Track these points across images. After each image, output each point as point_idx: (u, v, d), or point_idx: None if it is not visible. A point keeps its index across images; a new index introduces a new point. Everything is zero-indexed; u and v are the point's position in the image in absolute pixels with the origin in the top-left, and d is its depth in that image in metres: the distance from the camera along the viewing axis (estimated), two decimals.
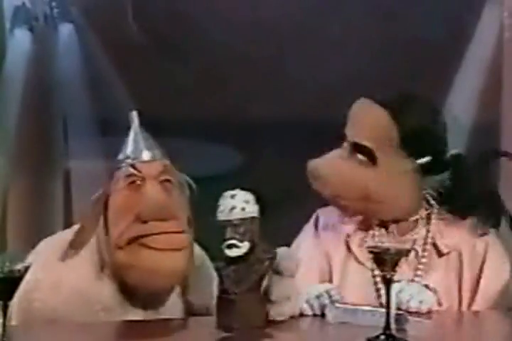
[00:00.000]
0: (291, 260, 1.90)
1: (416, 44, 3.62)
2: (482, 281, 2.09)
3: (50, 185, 3.69)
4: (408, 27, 3.61)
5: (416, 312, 1.96)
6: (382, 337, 1.70)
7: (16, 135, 3.63)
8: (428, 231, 2.14)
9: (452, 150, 2.15)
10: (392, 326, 1.73)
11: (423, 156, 2.08)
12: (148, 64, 3.73)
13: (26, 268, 1.65)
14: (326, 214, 2.24)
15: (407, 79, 3.52)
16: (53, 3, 3.72)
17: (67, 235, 2.04)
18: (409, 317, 1.86)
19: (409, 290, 2.02)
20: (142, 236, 1.90)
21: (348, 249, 2.15)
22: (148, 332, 1.88)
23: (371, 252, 1.75)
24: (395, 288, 1.86)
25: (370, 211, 2.10)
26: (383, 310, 1.74)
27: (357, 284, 2.10)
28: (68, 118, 3.74)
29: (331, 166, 2.11)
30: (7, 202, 3.61)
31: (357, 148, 2.08)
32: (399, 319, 1.82)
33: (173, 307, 2.03)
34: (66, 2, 3.74)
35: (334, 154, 2.13)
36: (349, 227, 2.17)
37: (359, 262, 2.12)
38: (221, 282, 1.84)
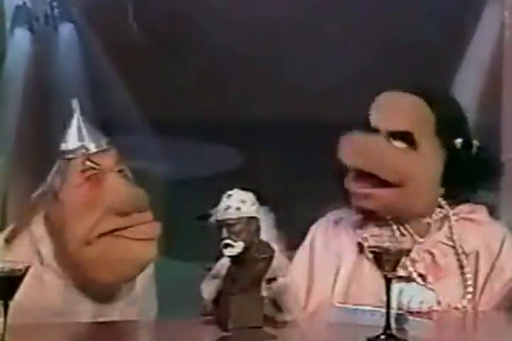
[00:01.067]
0: (282, 259, 1.90)
1: (416, 44, 3.62)
2: (490, 279, 2.10)
3: None
4: (408, 27, 3.61)
5: (417, 312, 1.96)
6: (383, 336, 1.70)
7: (15, 135, 3.63)
8: (451, 233, 2.13)
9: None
10: (393, 326, 1.73)
11: (454, 147, 2.08)
12: (149, 64, 3.73)
13: (27, 268, 1.65)
14: (337, 216, 2.22)
15: (407, 80, 3.52)
16: (54, 3, 3.72)
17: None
18: (410, 317, 1.86)
19: (409, 291, 2.01)
20: (119, 229, 1.87)
21: (361, 249, 2.13)
22: (149, 332, 1.88)
23: (371, 252, 1.75)
24: (394, 289, 1.86)
25: (404, 200, 2.06)
26: (383, 309, 1.74)
27: (371, 284, 2.08)
28: (68, 118, 3.74)
29: (373, 144, 2.07)
30: (7, 203, 3.61)
31: (394, 136, 2.06)
32: (399, 319, 1.82)
33: (121, 301, 2.00)
34: (67, 2, 3.74)
35: (373, 137, 2.08)
36: (361, 228, 2.15)
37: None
38: (220, 282, 1.85)
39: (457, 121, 2.11)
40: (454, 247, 2.12)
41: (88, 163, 1.90)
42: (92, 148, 1.93)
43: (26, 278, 1.68)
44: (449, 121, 2.07)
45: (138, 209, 1.89)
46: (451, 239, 2.12)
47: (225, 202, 1.83)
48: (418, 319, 1.89)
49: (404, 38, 3.63)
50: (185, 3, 3.77)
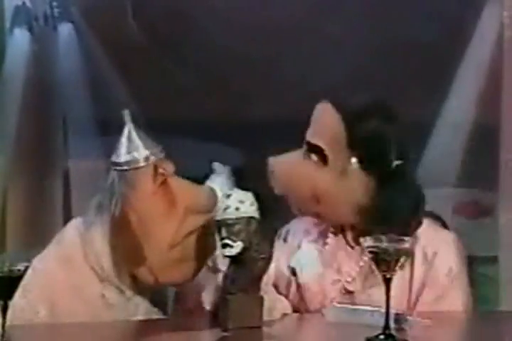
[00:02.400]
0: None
1: (415, 44, 3.62)
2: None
3: (49, 185, 3.69)
4: (407, 27, 3.61)
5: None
6: (382, 336, 1.70)
7: (15, 135, 3.63)
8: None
9: (396, 161, 2.12)
10: (392, 326, 1.73)
11: (373, 162, 2.07)
12: (149, 64, 3.73)
13: (26, 268, 1.65)
14: (296, 222, 2.27)
15: (406, 80, 3.52)
16: (53, 3, 3.72)
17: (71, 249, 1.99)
18: (409, 317, 1.86)
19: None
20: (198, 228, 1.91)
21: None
22: (148, 332, 1.88)
23: (370, 252, 1.75)
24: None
25: (322, 214, 2.09)
26: (383, 309, 1.74)
27: None
28: (68, 118, 3.75)
29: (283, 164, 2.13)
30: (6, 202, 3.61)
31: (312, 147, 2.09)
32: (398, 319, 1.82)
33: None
34: (66, 2, 3.74)
35: (293, 153, 2.15)
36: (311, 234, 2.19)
37: None
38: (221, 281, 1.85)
39: (373, 138, 2.07)
40: None
41: (161, 170, 1.92)
42: (159, 154, 1.94)
43: (88, 298, 1.80)
44: (363, 137, 2.05)
45: (214, 204, 1.90)
46: None
47: (224, 202, 1.84)
48: (417, 319, 1.89)
49: (404, 37, 3.63)
50: (185, 3, 3.77)
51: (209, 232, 1.93)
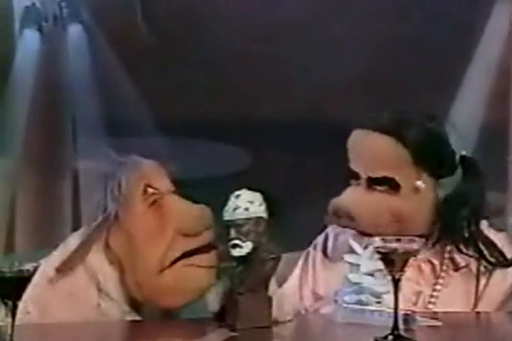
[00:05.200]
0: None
1: (424, 44, 3.62)
2: (489, 285, 2.09)
3: (58, 185, 3.70)
4: (416, 26, 3.61)
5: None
6: (390, 337, 1.70)
7: (24, 135, 3.64)
8: (445, 245, 2.12)
9: (462, 152, 2.14)
10: (401, 326, 1.72)
11: (437, 169, 2.07)
12: (158, 64, 3.74)
13: (35, 268, 1.65)
14: (336, 231, 2.22)
15: (414, 80, 3.52)
16: (63, 4, 3.73)
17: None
18: (418, 318, 1.86)
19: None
20: (186, 256, 1.87)
21: None
22: (148, 332, 1.88)
23: (379, 252, 1.74)
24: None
25: (402, 231, 2.03)
26: (391, 310, 1.74)
27: None
28: (77, 118, 3.75)
29: (358, 202, 2.07)
30: (15, 202, 3.62)
31: (373, 181, 2.06)
32: (407, 319, 1.82)
33: None
34: (75, 2, 3.75)
35: (354, 191, 2.09)
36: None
37: None
38: (230, 282, 1.85)
39: (436, 152, 2.08)
40: (451, 258, 2.11)
41: (151, 190, 1.90)
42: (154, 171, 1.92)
43: (83, 306, 1.78)
44: (427, 155, 2.06)
45: (205, 227, 1.89)
46: (450, 251, 2.11)
47: (233, 202, 1.83)
48: (426, 319, 1.89)
49: (412, 37, 3.62)
50: (195, 3, 3.77)
51: (210, 266, 1.90)
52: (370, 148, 2.07)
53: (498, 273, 2.09)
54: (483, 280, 2.09)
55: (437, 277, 2.10)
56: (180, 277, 1.87)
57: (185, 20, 3.74)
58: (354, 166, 2.09)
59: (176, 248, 1.87)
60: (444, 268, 2.10)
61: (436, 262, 2.11)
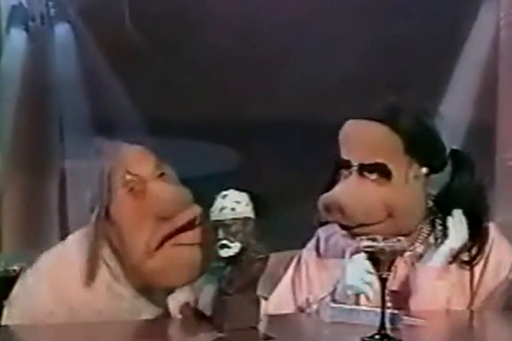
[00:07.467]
0: None
1: (412, 44, 3.63)
2: (482, 280, 2.10)
3: (45, 185, 3.69)
4: (404, 27, 3.62)
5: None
6: (377, 336, 1.70)
7: (11, 134, 3.64)
8: (436, 238, 2.12)
9: (452, 146, 2.15)
10: (387, 326, 1.73)
11: (429, 160, 2.09)
12: (145, 64, 3.73)
13: (21, 268, 1.65)
14: (327, 233, 2.22)
15: (402, 79, 3.53)
16: (50, 3, 3.72)
17: (68, 255, 1.94)
18: (404, 317, 1.86)
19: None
20: (170, 236, 1.87)
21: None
22: (148, 332, 1.88)
23: (366, 252, 1.75)
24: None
25: (397, 228, 2.04)
26: (378, 309, 1.74)
27: None
28: (64, 117, 3.75)
29: (349, 195, 2.06)
30: (2, 202, 3.61)
31: (365, 168, 2.06)
32: (393, 319, 1.82)
33: None
34: (63, 2, 3.74)
35: (345, 183, 2.09)
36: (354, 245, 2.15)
37: None
38: (218, 282, 1.85)
39: (428, 143, 2.09)
40: None
41: (128, 177, 1.89)
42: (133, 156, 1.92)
43: (96, 285, 1.77)
44: (419, 145, 2.06)
45: (180, 207, 1.88)
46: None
47: (220, 202, 1.83)
48: (412, 319, 1.89)
49: (400, 37, 3.63)
50: (183, 4, 3.77)
51: (194, 243, 1.89)
52: (363, 135, 2.07)
53: (490, 271, 2.11)
54: (477, 275, 2.10)
55: None
56: (168, 257, 1.86)
57: (174, 20, 3.74)
58: (346, 154, 2.08)
59: (160, 231, 1.86)
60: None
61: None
